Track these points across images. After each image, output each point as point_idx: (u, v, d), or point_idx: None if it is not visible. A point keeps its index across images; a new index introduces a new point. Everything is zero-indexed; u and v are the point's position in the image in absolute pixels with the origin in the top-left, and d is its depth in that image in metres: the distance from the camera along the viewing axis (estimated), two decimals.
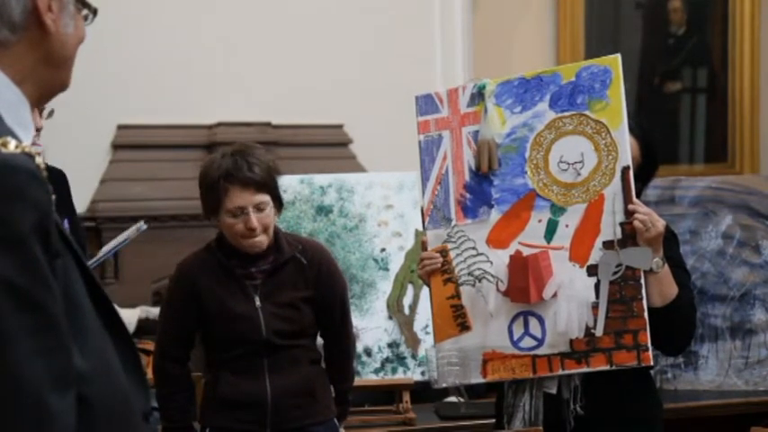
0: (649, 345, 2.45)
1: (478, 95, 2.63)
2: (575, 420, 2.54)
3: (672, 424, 3.63)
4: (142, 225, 3.07)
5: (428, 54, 5.85)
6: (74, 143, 4.97)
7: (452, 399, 3.57)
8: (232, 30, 5.49)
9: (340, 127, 5.67)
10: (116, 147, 5.43)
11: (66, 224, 2.49)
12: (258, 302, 2.73)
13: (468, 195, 2.64)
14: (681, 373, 3.93)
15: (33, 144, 1.28)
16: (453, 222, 2.66)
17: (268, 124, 5.40)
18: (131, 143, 5.43)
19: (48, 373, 1.14)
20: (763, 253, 3.97)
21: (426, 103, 2.71)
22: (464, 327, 2.62)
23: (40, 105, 1.35)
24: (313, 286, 2.79)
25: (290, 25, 5.57)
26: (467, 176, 2.64)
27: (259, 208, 2.68)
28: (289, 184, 3.67)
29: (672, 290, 2.53)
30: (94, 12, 1.42)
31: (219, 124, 5.43)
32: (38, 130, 2.45)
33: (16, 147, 1.20)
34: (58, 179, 2.62)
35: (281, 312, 2.74)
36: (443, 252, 2.64)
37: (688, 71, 6.68)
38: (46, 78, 1.35)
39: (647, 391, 2.63)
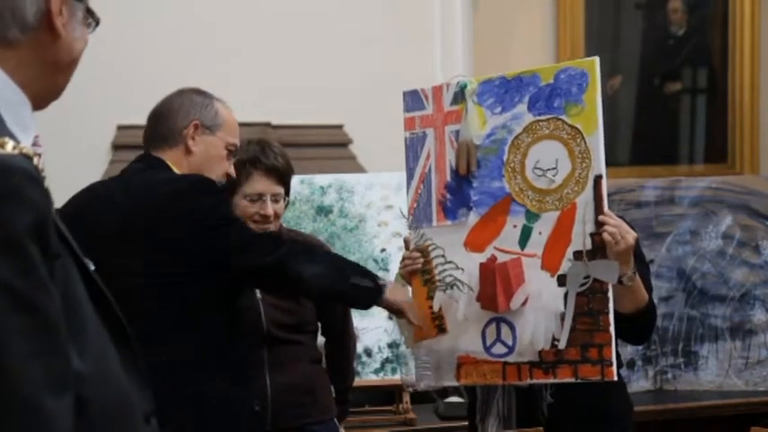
0: (614, 360, 2.41)
1: (461, 94, 2.59)
2: (548, 412, 2.55)
3: (672, 424, 3.64)
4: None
5: (428, 54, 5.85)
6: (74, 143, 4.97)
7: (452, 399, 3.57)
8: (232, 30, 5.49)
9: (340, 127, 5.67)
10: (116, 147, 5.43)
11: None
12: (258, 294, 2.75)
13: (448, 196, 2.61)
14: (681, 373, 3.93)
15: (34, 145, 1.28)
16: (422, 229, 2.63)
17: (268, 124, 5.39)
18: (131, 143, 5.41)
19: (44, 375, 1.14)
20: (763, 253, 3.97)
21: (413, 100, 2.67)
22: (441, 329, 2.60)
23: (37, 109, 1.34)
24: None
25: (290, 25, 5.57)
26: (448, 177, 2.61)
27: (275, 199, 2.75)
28: None
29: (642, 298, 2.52)
30: (97, 22, 1.43)
31: None
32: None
33: (14, 148, 1.19)
34: None
35: (282, 304, 2.75)
36: (425, 252, 2.63)
37: (688, 71, 6.67)
38: (48, 82, 1.34)
39: (617, 386, 2.61)
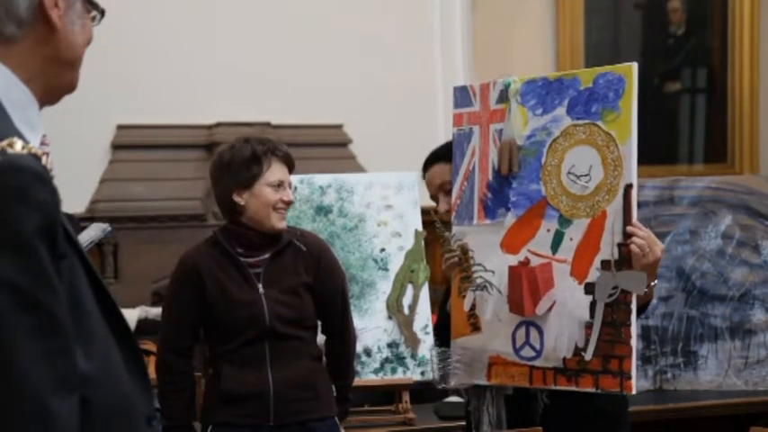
0: (633, 373, 2.41)
1: (505, 93, 2.59)
2: (544, 410, 2.57)
3: (672, 424, 3.64)
4: (107, 227, 3.08)
5: (428, 54, 5.86)
6: (74, 143, 4.98)
7: (452, 399, 3.57)
8: (232, 30, 5.49)
9: (340, 127, 5.68)
10: (116, 147, 5.44)
11: None
12: (261, 289, 2.76)
13: (489, 195, 2.62)
14: (680, 373, 3.93)
15: (42, 144, 1.28)
16: (458, 227, 2.66)
17: (267, 124, 5.40)
18: (131, 143, 5.43)
19: (50, 375, 1.14)
20: (763, 253, 3.97)
21: (462, 96, 2.68)
22: (475, 327, 2.62)
23: (46, 105, 1.34)
24: (313, 274, 2.82)
25: (289, 26, 5.58)
26: (490, 176, 2.62)
27: (292, 187, 2.88)
28: None
29: (649, 298, 2.54)
30: (102, 13, 1.42)
31: (219, 124, 5.44)
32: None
33: (23, 148, 1.19)
34: None
35: (284, 298, 2.77)
36: (464, 249, 2.64)
37: (688, 71, 6.68)
38: (53, 77, 1.34)
39: None
